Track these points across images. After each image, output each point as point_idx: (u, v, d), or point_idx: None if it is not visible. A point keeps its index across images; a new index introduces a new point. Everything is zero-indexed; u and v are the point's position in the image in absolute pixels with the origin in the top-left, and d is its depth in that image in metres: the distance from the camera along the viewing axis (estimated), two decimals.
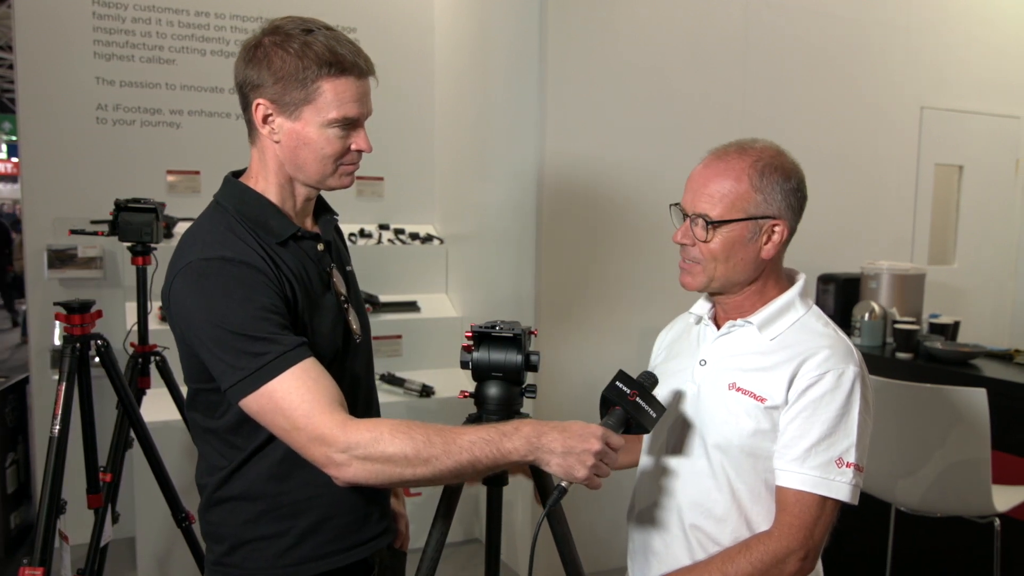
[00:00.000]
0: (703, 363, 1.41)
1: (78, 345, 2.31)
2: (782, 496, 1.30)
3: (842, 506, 1.29)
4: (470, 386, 1.41)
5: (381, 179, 4.00)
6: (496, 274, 3.53)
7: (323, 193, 1.41)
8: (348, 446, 1.14)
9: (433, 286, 3.99)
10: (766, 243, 1.34)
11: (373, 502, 1.37)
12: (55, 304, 2.34)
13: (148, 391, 2.75)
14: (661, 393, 1.36)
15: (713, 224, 1.32)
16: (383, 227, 4.01)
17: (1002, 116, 4.37)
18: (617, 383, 1.28)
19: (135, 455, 2.70)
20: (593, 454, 1.17)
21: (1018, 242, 4.56)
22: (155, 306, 2.70)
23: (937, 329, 3.26)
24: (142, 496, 2.99)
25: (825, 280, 3.58)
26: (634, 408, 1.25)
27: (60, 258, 3.46)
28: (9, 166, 18.71)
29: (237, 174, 1.38)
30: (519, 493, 2.76)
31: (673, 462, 1.42)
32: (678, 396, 1.42)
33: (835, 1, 3.74)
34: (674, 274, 1.41)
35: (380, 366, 3.41)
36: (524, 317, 2.94)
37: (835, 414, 1.27)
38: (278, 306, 1.21)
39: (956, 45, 4.14)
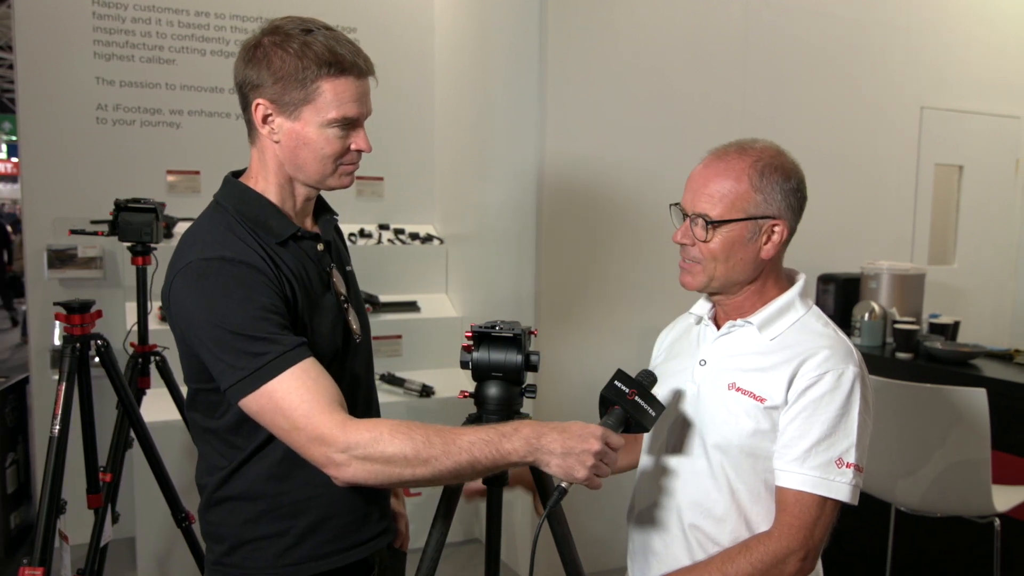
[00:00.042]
0: (703, 363, 1.41)
1: (78, 345, 2.31)
2: (782, 496, 1.29)
3: (842, 506, 1.29)
4: (470, 386, 1.41)
5: (381, 179, 4.00)
6: (496, 274, 3.53)
7: (323, 193, 1.41)
8: (348, 446, 1.14)
9: (433, 286, 3.99)
10: (766, 243, 1.34)
11: (373, 502, 1.37)
12: (55, 304, 2.34)
13: (148, 391, 2.75)
14: (661, 393, 1.36)
15: (713, 224, 1.32)
16: (383, 227, 4.01)
17: (1002, 116, 4.37)
18: (616, 382, 1.27)
19: (135, 455, 2.70)
20: (593, 454, 1.17)
21: (1018, 242, 4.56)
22: (155, 306, 2.70)
23: (937, 329, 3.26)
24: (142, 496, 2.99)
25: (825, 280, 3.58)
26: (633, 407, 1.25)
27: (60, 258, 3.46)
28: (9, 166, 18.72)
29: (237, 174, 1.38)
30: (519, 493, 2.76)
31: (673, 462, 1.42)
32: (678, 396, 1.42)
33: (835, 1, 3.74)
34: (674, 274, 1.41)
35: (380, 366, 3.41)
36: (524, 317, 2.94)
37: (835, 414, 1.27)
38: (278, 306, 1.21)
39: (956, 45, 4.14)
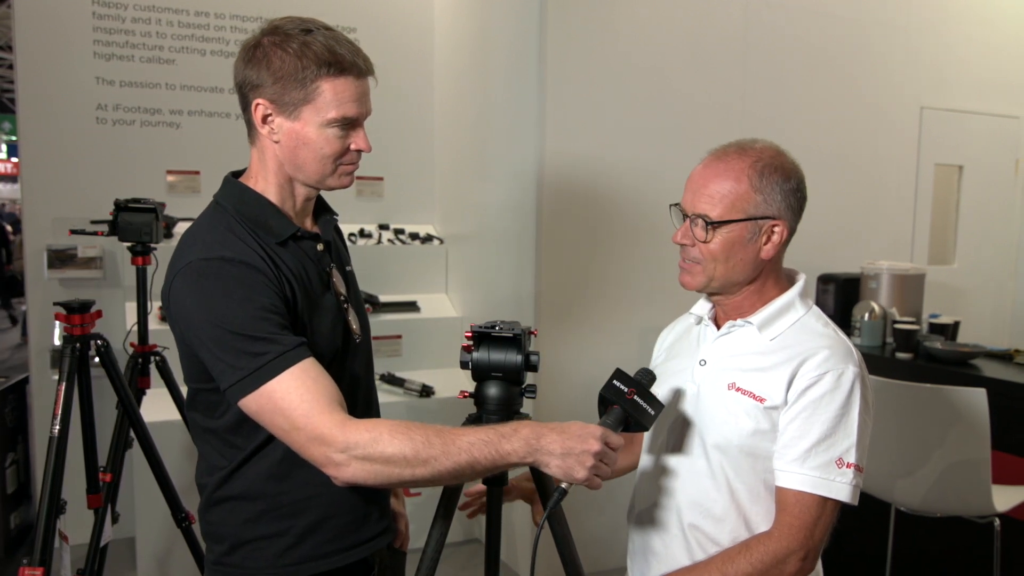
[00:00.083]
0: (703, 363, 1.41)
1: (78, 345, 2.31)
2: (782, 496, 1.29)
3: (842, 506, 1.29)
4: (470, 386, 1.41)
5: (381, 179, 4.00)
6: (496, 274, 3.53)
7: (323, 193, 1.41)
8: (347, 446, 1.14)
9: (433, 286, 3.99)
10: (766, 243, 1.34)
11: (372, 502, 1.37)
12: (55, 304, 2.34)
13: (148, 391, 2.75)
14: (661, 393, 1.36)
15: (713, 225, 1.32)
16: (383, 227, 4.01)
17: (1002, 116, 4.37)
18: (614, 382, 1.27)
19: (135, 455, 2.70)
20: (592, 455, 1.17)
21: (1018, 242, 4.56)
22: (155, 306, 2.70)
23: (937, 329, 3.26)
24: (142, 496, 2.99)
25: (825, 280, 3.58)
26: (632, 406, 1.25)
27: (60, 258, 3.46)
28: (9, 166, 18.72)
29: (237, 174, 1.38)
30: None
31: (672, 462, 1.42)
32: (678, 396, 1.42)
33: (835, 1, 3.74)
34: (674, 274, 1.41)
35: (380, 366, 3.41)
36: (524, 317, 2.94)
37: (835, 414, 1.27)
38: (277, 306, 1.22)
39: (956, 45, 4.14)
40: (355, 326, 1.40)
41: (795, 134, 3.37)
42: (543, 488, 1.42)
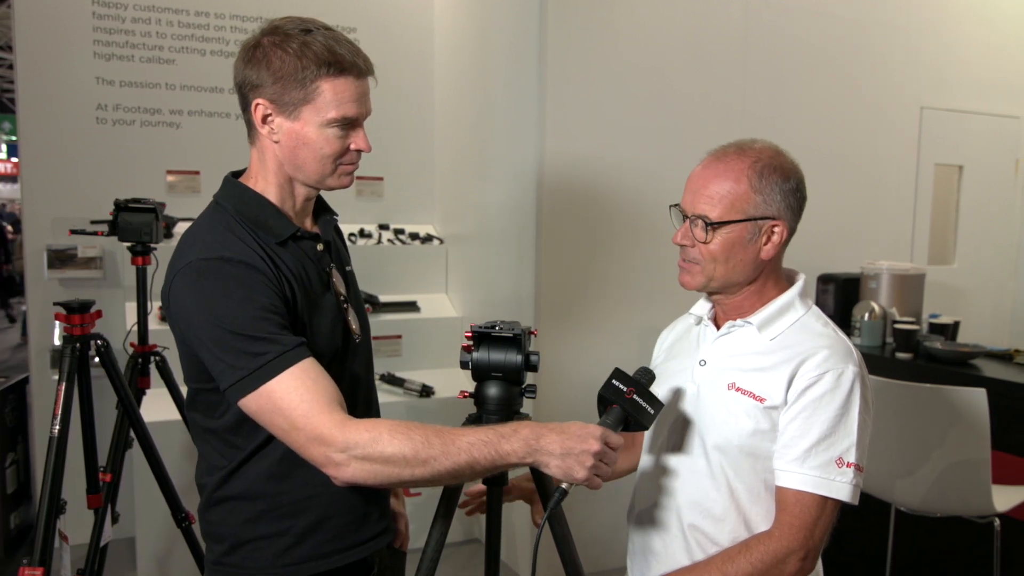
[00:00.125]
0: (703, 363, 1.41)
1: (78, 345, 2.31)
2: (782, 496, 1.29)
3: (842, 506, 1.29)
4: (470, 386, 1.41)
5: (381, 179, 4.00)
6: (496, 274, 3.53)
7: (323, 193, 1.41)
8: (347, 446, 1.14)
9: (433, 286, 3.99)
10: (766, 244, 1.34)
11: (372, 502, 1.37)
12: (55, 304, 2.34)
13: (148, 391, 2.75)
14: (661, 393, 1.36)
15: (713, 225, 1.32)
16: (383, 227, 4.01)
17: (1002, 116, 4.37)
18: (614, 381, 1.27)
19: (135, 455, 2.70)
20: (592, 455, 1.17)
21: (1018, 242, 4.56)
22: (155, 306, 2.70)
23: (937, 329, 3.26)
24: (142, 496, 2.99)
25: (825, 280, 3.58)
26: (632, 406, 1.25)
27: (60, 258, 3.46)
28: (9, 166, 18.72)
29: (237, 174, 1.38)
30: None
31: (672, 462, 1.42)
32: (678, 396, 1.42)
33: (835, 1, 3.74)
34: (674, 274, 1.41)
35: (380, 366, 3.41)
36: (524, 317, 2.94)
37: (835, 414, 1.27)
38: (277, 306, 1.22)
39: (956, 45, 4.14)
40: (355, 326, 1.40)
41: (795, 134, 3.37)
42: (543, 488, 1.42)
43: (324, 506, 1.30)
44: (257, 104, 1.27)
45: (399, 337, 3.72)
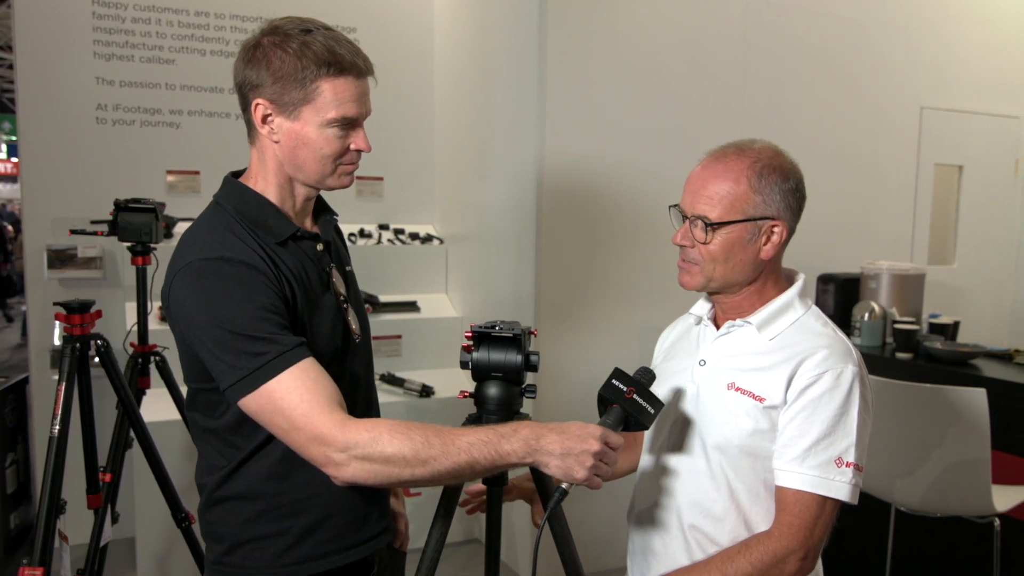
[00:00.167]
0: (702, 363, 1.41)
1: (78, 345, 2.31)
2: (781, 496, 1.30)
3: (842, 506, 1.29)
4: (470, 386, 1.41)
5: (381, 179, 4.00)
6: (496, 274, 3.53)
7: (323, 193, 1.41)
8: (347, 446, 1.14)
9: (433, 286, 4.00)
10: (765, 244, 1.34)
11: (372, 502, 1.37)
12: (55, 304, 2.34)
13: (148, 391, 2.75)
14: (661, 393, 1.36)
15: (712, 226, 1.32)
16: (383, 227, 4.01)
17: (1002, 116, 4.37)
18: (613, 381, 1.27)
19: (135, 455, 2.70)
20: (592, 455, 1.17)
21: (1018, 242, 4.56)
22: (155, 306, 2.70)
23: (937, 329, 3.26)
24: (142, 496, 2.99)
25: (825, 280, 3.58)
26: (632, 405, 1.25)
27: (60, 258, 3.46)
28: (9, 166, 18.72)
29: (237, 174, 1.38)
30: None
31: (672, 462, 1.42)
32: (678, 396, 1.42)
33: (835, 1, 3.74)
34: (674, 274, 1.41)
35: (380, 366, 3.41)
36: (524, 317, 2.94)
37: (834, 414, 1.27)
38: (277, 306, 1.22)
39: (956, 45, 4.14)
40: (355, 326, 1.40)
41: (795, 134, 3.37)
42: (543, 488, 1.42)
43: (324, 506, 1.30)
44: (257, 104, 1.27)
45: (399, 337, 3.72)
